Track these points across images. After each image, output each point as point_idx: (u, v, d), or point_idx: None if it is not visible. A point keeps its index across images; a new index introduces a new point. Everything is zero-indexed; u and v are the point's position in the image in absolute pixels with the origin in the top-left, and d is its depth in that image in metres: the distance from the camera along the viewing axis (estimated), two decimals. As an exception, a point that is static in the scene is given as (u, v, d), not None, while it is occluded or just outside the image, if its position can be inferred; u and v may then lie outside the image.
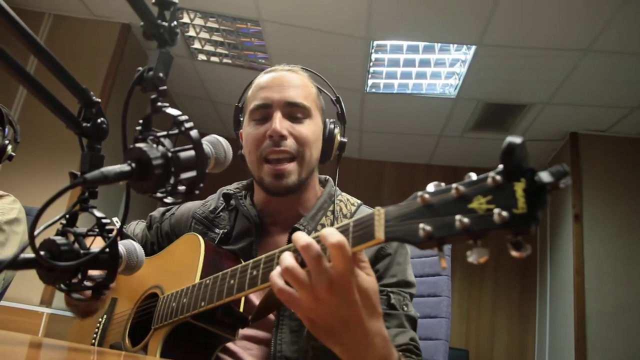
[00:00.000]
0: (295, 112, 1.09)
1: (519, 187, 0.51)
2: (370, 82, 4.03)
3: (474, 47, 3.43)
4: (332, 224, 1.10)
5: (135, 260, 0.79)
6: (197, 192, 0.64)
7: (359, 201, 1.21)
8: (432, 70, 3.85)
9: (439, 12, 3.15)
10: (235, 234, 1.15)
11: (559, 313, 4.25)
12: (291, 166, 1.07)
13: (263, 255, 0.79)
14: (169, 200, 0.62)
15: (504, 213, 0.50)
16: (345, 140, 1.19)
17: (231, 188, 1.24)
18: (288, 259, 0.69)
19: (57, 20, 3.73)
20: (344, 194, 1.21)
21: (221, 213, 1.21)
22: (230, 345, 1.03)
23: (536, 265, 4.86)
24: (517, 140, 0.51)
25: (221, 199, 1.24)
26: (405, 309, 1.01)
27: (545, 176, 0.50)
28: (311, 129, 1.10)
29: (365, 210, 1.17)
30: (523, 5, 2.99)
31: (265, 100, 1.09)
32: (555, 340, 4.32)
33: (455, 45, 3.52)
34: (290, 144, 1.07)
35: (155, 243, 1.30)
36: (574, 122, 4.21)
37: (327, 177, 1.25)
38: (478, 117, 4.32)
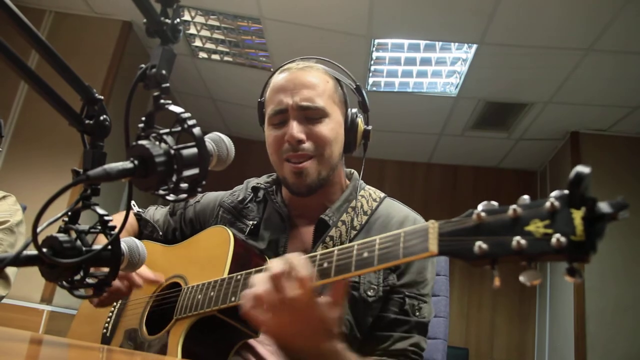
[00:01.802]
0: (310, 114, 1.08)
1: (578, 215, 0.52)
2: (371, 80, 4.03)
3: (475, 46, 3.43)
4: (351, 221, 1.10)
5: (137, 258, 0.79)
6: (199, 189, 0.64)
7: (382, 194, 1.20)
8: (433, 68, 3.85)
9: (440, 11, 3.15)
10: (263, 226, 1.16)
11: (559, 312, 4.25)
12: (310, 164, 1.07)
13: (308, 255, 0.80)
14: (171, 197, 0.62)
15: (562, 239, 0.52)
16: (369, 128, 1.17)
17: (261, 181, 1.25)
18: (261, 283, 0.76)
19: (58, 18, 3.73)
20: (367, 187, 1.21)
21: (249, 204, 1.22)
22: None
23: (536, 263, 4.86)
24: (586, 170, 0.53)
25: (249, 190, 1.25)
26: (418, 314, 1.03)
27: (605, 207, 0.51)
28: (329, 127, 1.09)
29: (392, 203, 1.17)
30: (524, 4, 2.98)
31: (280, 106, 1.09)
32: (555, 338, 4.33)
33: (457, 44, 3.52)
34: (308, 146, 1.07)
35: (177, 229, 1.31)
36: (574, 122, 4.20)
37: (352, 170, 1.24)
38: (479, 116, 4.31)
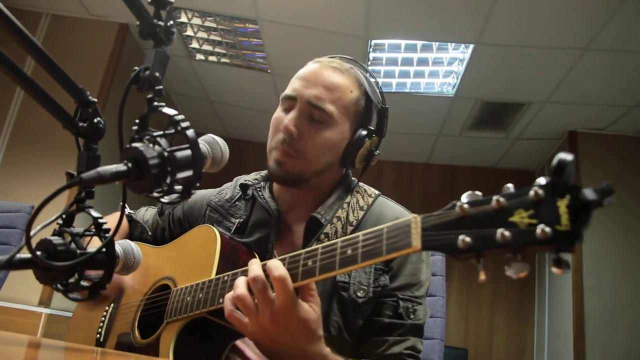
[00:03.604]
0: (315, 114, 1.05)
1: (562, 203, 0.50)
2: (368, 81, 4.02)
3: (472, 46, 3.43)
4: (347, 216, 1.08)
5: (132, 260, 0.79)
6: (193, 191, 0.64)
7: (377, 192, 1.18)
8: (430, 69, 3.85)
9: (437, 11, 3.15)
10: (251, 224, 1.14)
11: (558, 312, 4.25)
12: (292, 161, 1.05)
13: (287, 255, 0.79)
14: (165, 200, 0.62)
15: (547, 229, 0.50)
16: (376, 152, 1.13)
17: (249, 179, 1.22)
18: (241, 286, 0.77)
19: (54, 20, 3.72)
20: (361, 183, 1.19)
21: (237, 202, 1.20)
22: (237, 342, 1.02)
23: (535, 263, 4.86)
24: (569, 157, 0.51)
25: (237, 188, 1.22)
26: (412, 316, 1.01)
27: (589, 194, 0.49)
28: (327, 137, 1.06)
29: (385, 202, 1.16)
30: (521, 3, 2.99)
31: (293, 92, 1.08)
32: (554, 338, 4.33)
33: (454, 44, 3.52)
34: (297, 145, 1.04)
35: (166, 229, 1.29)
36: (572, 121, 4.21)
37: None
38: (476, 116, 4.32)
